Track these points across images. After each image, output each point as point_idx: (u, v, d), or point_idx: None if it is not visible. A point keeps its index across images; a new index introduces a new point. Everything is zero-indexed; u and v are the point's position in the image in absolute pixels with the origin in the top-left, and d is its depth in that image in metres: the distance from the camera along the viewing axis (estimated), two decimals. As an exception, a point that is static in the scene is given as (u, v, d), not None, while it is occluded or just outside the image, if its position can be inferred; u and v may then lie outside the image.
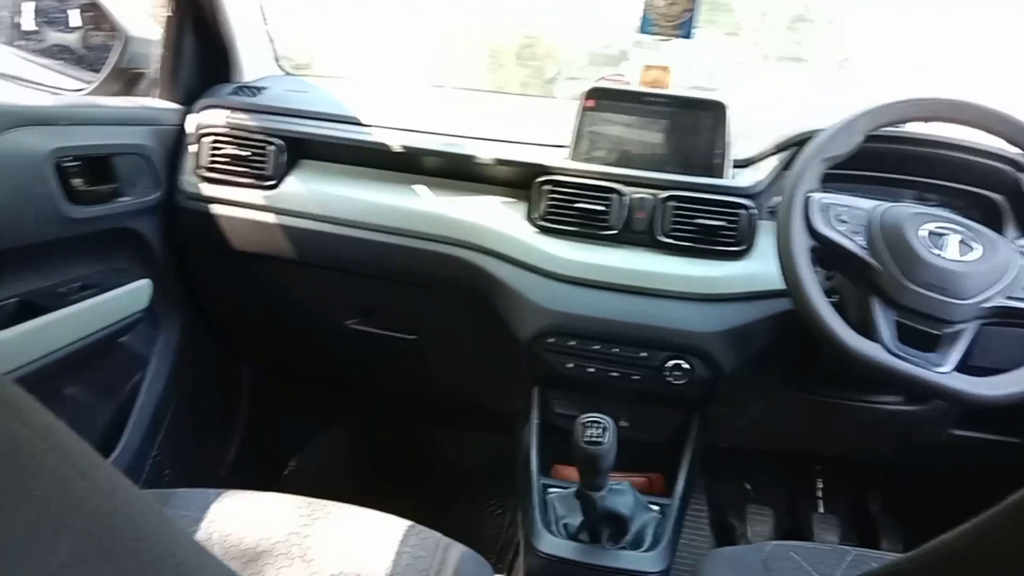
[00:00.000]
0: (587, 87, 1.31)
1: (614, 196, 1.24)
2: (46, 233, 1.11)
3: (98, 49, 1.51)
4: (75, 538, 0.31)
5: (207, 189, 1.37)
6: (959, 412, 1.28)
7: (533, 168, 1.29)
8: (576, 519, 1.10)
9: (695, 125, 1.28)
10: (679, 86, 1.34)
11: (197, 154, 1.37)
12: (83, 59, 1.53)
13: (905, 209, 1.04)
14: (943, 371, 0.94)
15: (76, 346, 1.14)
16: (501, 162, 1.31)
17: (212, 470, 1.66)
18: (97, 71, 1.45)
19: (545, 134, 1.33)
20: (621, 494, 1.06)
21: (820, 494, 1.75)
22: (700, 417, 1.30)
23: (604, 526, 1.07)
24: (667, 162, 1.28)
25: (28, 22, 1.57)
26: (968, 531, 0.47)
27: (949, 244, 0.99)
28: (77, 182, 1.14)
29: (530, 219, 1.28)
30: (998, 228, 1.20)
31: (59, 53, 1.56)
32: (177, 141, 1.40)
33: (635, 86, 1.35)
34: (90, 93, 1.41)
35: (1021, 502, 0.42)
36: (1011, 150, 1.17)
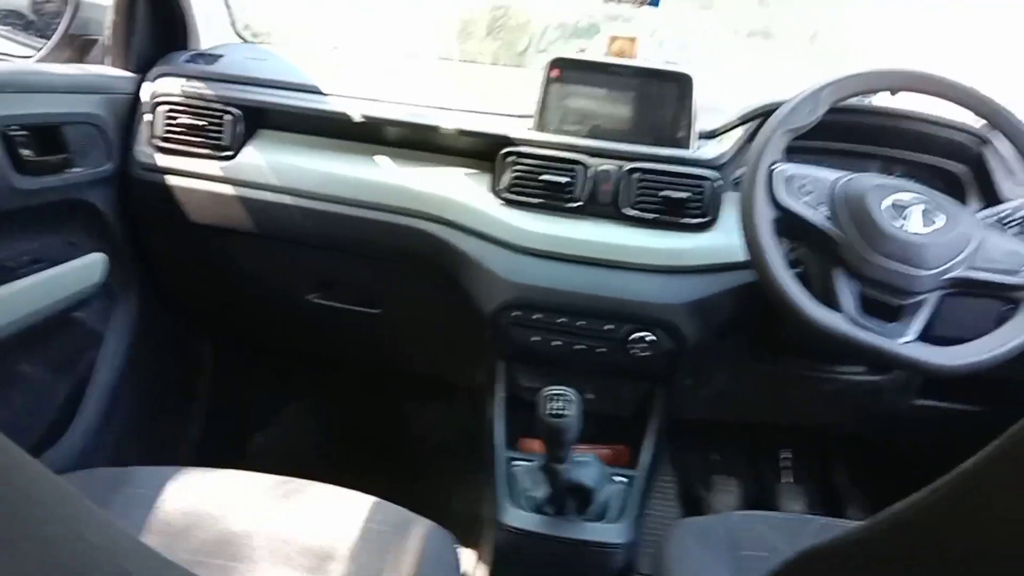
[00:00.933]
0: (553, 57, 1.29)
1: (579, 168, 1.23)
2: None
3: (49, 15, 1.45)
4: None
5: (162, 160, 1.33)
6: (921, 382, 1.30)
7: (497, 139, 1.27)
8: (542, 492, 1.10)
9: (660, 96, 1.27)
10: (650, 59, 1.33)
11: (152, 124, 1.33)
12: (33, 25, 1.48)
13: (868, 180, 1.04)
14: (904, 341, 0.95)
15: (28, 321, 1.10)
16: (464, 133, 1.29)
17: (174, 447, 1.63)
18: (47, 37, 1.40)
19: (511, 104, 1.31)
20: (586, 466, 1.06)
21: (786, 464, 1.77)
22: (665, 389, 1.30)
23: (569, 498, 1.07)
24: (632, 133, 1.26)
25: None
26: (918, 500, 0.47)
27: (912, 215, 0.99)
28: (26, 152, 1.10)
29: (494, 191, 1.26)
30: (961, 199, 1.22)
31: (7, 18, 1.50)
32: (131, 110, 1.35)
33: (601, 56, 1.34)
34: (39, 60, 1.37)
35: (968, 472, 0.43)
36: (974, 122, 1.17)
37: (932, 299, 0.97)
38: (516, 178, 1.24)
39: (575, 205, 1.23)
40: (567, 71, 1.27)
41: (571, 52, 1.33)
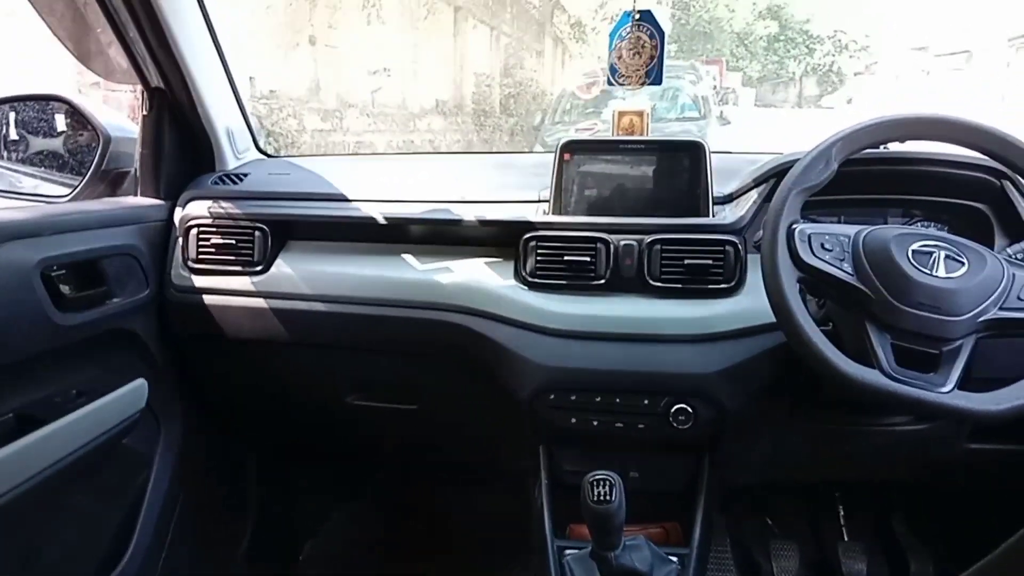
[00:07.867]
0: (563, 140, 1.32)
1: (600, 245, 1.24)
2: (38, 344, 1.11)
3: (82, 152, 1.53)
4: None
5: (198, 280, 1.37)
6: (971, 427, 1.26)
7: (519, 226, 1.29)
8: None
9: (674, 167, 1.28)
10: (667, 118, 1.34)
11: (185, 247, 1.38)
12: (67, 164, 1.55)
13: (888, 231, 1.03)
14: (945, 391, 0.92)
15: (77, 455, 1.13)
16: (485, 223, 1.31)
17: (226, 562, 1.63)
18: (81, 174, 1.47)
19: (525, 190, 1.33)
20: (637, 550, 1.03)
21: (842, 521, 1.71)
22: (710, 459, 1.27)
23: (623, 585, 1.05)
24: (650, 206, 1.28)
25: (11, 132, 1.59)
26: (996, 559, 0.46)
27: (937, 261, 0.98)
28: (66, 289, 1.15)
29: (519, 276, 1.28)
30: (987, 237, 1.19)
31: (44, 160, 1.58)
32: (164, 236, 1.41)
33: (610, 135, 1.36)
34: (74, 198, 1.43)
35: None
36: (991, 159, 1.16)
37: (968, 344, 0.95)
38: (540, 261, 1.25)
39: (600, 282, 1.24)
40: (578, 153, 1.30)
41: (577, 130, 1.36)
